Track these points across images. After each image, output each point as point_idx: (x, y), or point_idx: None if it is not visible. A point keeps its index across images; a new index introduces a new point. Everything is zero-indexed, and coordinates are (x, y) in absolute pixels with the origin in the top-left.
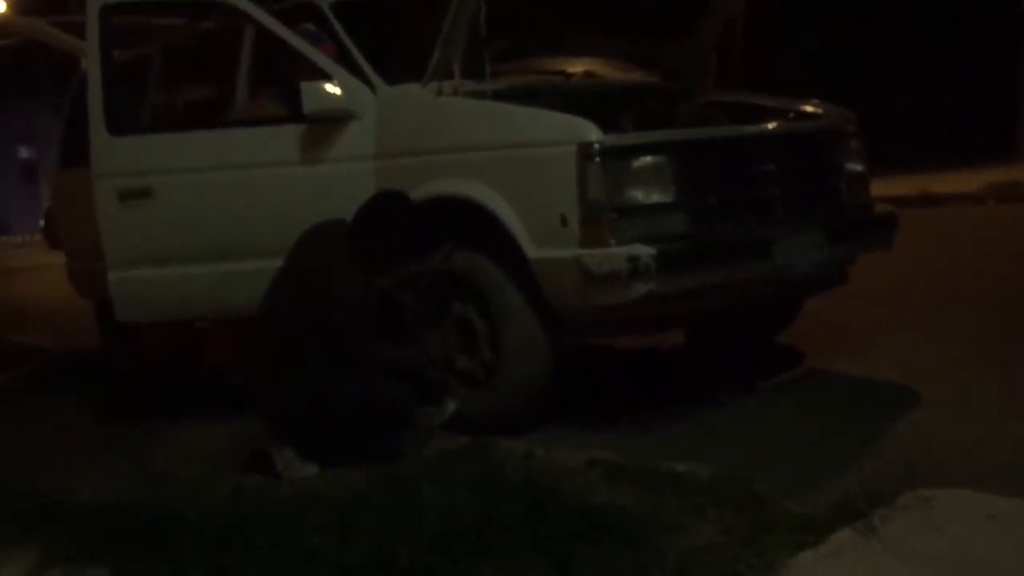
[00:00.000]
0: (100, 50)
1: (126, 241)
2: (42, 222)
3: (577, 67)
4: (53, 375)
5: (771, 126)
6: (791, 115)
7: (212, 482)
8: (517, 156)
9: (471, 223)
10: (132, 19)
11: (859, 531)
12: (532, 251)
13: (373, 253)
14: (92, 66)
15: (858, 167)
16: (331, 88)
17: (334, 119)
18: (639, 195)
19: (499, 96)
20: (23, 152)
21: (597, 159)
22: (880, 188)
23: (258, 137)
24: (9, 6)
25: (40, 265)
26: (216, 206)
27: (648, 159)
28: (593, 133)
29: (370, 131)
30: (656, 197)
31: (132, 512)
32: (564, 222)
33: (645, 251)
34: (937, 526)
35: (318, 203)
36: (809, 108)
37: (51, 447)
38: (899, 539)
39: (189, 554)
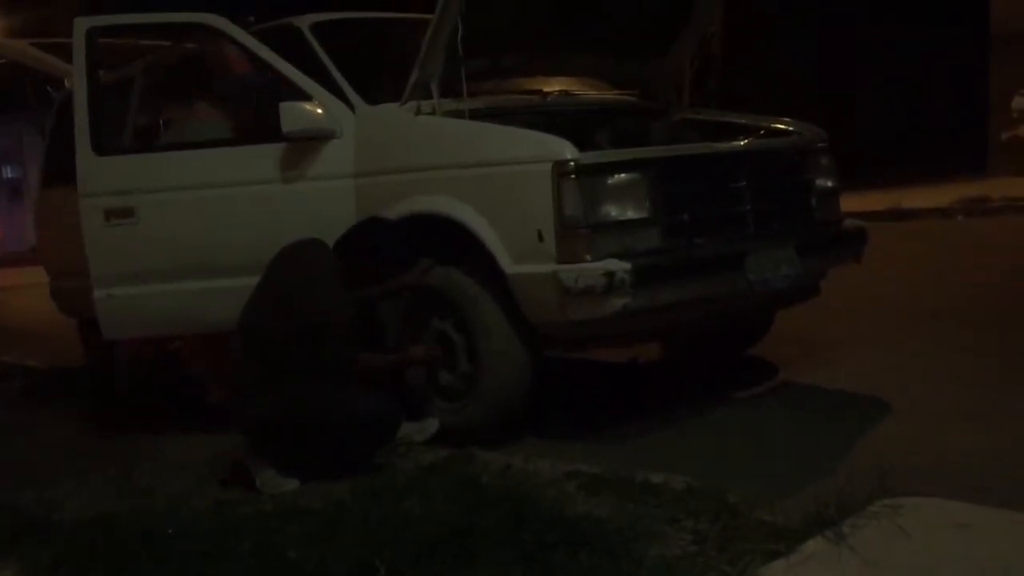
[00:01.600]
0: (86, 71)
1: (110, 259)
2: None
3: (553, 86)
4: (37, 391)
5: (743, 143)
6: (763, 132)
7: (193, 496)
8: (494, 174)
9: (449, 240)
10: (117, 41)
11: (830, 539)
12: (509, 267)
13: (357, 270)
14: (78, 87)
15: (828, 183)
16: (309, 108)
17: (313, 138)
18: (614, 211)
19: (476, 115)
20: (8, 171)
21: (572, 176)
22: (852, 203)
23: (237, 156)
24: None
25: (25, 284)
26: (196, 225)
27: (623, 176)
28: (568, 151)
29: (349, 150)
30: (631, 213)
31: (114, 527)
32: (541, 238)
33: (620, 266)
34: (907, 534)
35: (297, 221)
36: (780, 125)
37: (34, 462)
38: (869, 547)
39: (171, 568)
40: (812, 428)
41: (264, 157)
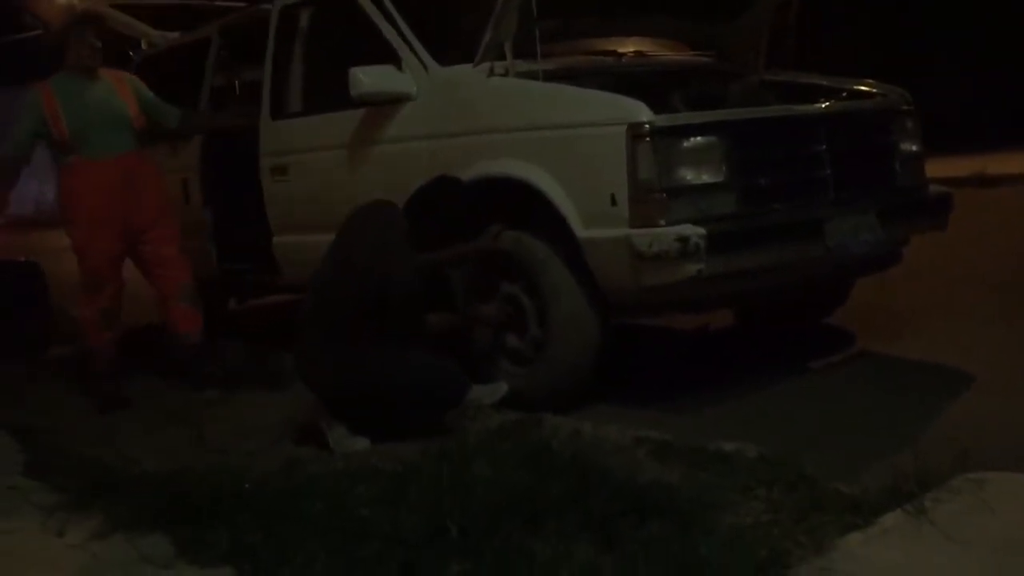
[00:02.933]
0: (275, 44)
1: (278, 210)
2: None
3: (628, 47)
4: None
5: (823, 106)
6: (844, 95)
7: (267, 455)
8: (568, 136)
9: (521, 202)
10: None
11: (910, 513)
12: (581, 231)
13: (426, 234)
14: (267, 59)
15: (912, 147)
16: (374, 73)
17: (383, 102)
18: (689, 175)
19: (550, 77)
20: None
21: (647, 139)
22: (936, 168)
23: (340, 120)
24: None
25: None
26: (321, 182)
27: (699, 139)
28: (644, 113)
29: (422, 112)
30: (706, 177)
31: (191, 482)
32: (614, 202)
33: (695, 231)
34: (990, 509)
35: (384, 179)
36: (863, 88)
37: (114, 420)
38: (951, 522)
39: (246, 523)
40: (890, 399)
41: (355, 121)
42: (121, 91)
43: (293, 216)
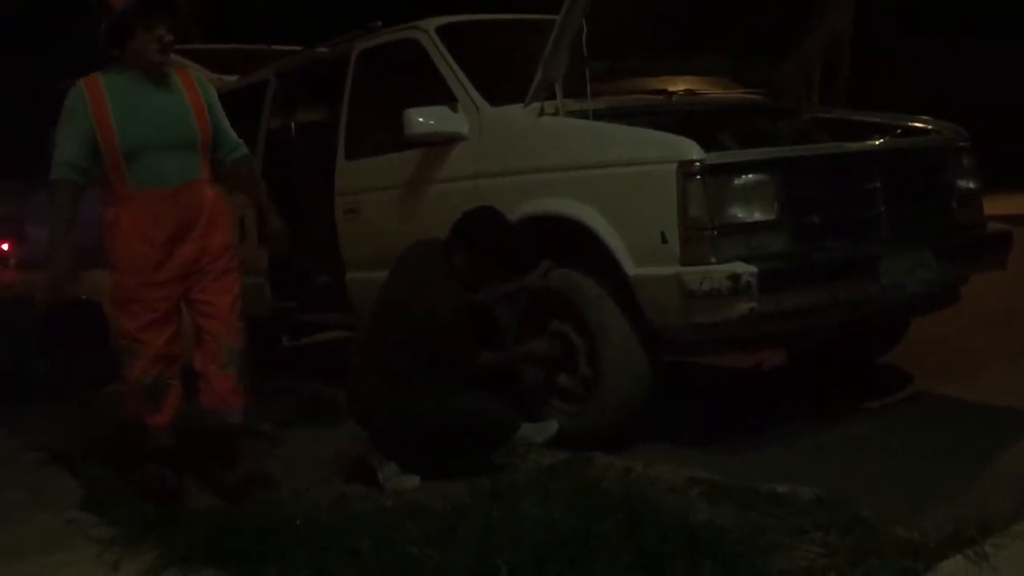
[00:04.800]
0: (351, 88)
1: (350, 248)
2: None
3: (678, 85)
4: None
5: (876, 143)
6: (899, 131)
7: (317, 491)
8: (618, 175)
9: (571, 241)
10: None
11: (971, 559)
12: (632, 269)
13: (464, 269)
14: (345, 101)
15: (970, 184)
16: (428, 113)
17: (437, 142)
18: (740, 213)
19: (600, 116)
20: None
21: (698, 177)
22: (996, 206)
23: (399, 160)
24: None
25: None
26: (383, 221)
27: (750, 177)
28: (694, 151)
29: (474, 151)
30: (758, 215)
31: (243, 517)
32: (664, 240)
33: (746, 269)
34: None
35: (438, 218)
36: (918, 124)
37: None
38: (1013, 569)
39: (296, 559)
40: (948, 441)
41: (409, 162)
42: (192, 98)
43: (362, 253)
